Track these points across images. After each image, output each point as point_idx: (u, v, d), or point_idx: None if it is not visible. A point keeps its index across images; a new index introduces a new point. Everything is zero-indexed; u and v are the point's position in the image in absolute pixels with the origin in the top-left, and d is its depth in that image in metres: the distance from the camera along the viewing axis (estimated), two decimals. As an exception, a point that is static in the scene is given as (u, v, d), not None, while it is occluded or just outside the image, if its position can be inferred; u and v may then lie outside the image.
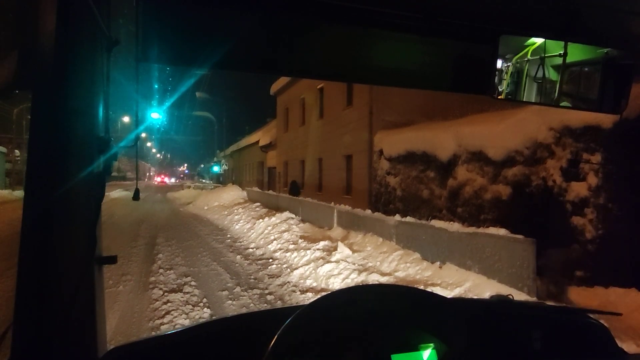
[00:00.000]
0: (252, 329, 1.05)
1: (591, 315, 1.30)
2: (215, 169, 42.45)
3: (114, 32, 0.90)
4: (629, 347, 1.88)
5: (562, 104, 1.13)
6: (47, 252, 0.80)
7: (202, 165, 68.68)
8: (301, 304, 1.08)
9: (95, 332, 0.90)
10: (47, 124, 0.82)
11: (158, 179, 72.30)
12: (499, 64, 1.08)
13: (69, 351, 0.83)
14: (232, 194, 22.06)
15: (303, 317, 0.91)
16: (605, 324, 1.31)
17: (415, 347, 1.01)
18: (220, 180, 41.86)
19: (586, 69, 1.12)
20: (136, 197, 1.10)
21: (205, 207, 19.86)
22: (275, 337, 0.87)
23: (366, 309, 0.99)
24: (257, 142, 27.81)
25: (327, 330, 0.94)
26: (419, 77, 1.21)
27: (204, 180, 51.24)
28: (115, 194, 26.79)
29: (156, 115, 32.61)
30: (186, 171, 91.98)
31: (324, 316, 0.95)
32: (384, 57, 1.15)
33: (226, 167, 39.41)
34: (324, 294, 1.01)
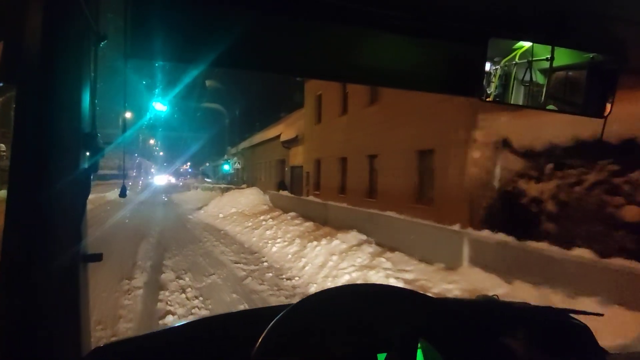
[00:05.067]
0: (239, 328, 1.07)
1: (573, 316, 1.30)
2: (226, 167, 38.16)
3: (102, 27, 0.89)
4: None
5: (548, 107, 1.15)
6: (32, 249, 0.80)
7: (207, 164, 64.11)
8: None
9: (80, 330, 0.89)
10: (32, 120, 0.81)
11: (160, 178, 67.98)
12: (488, 66, 1.09)
13: (53, 349, 0.84)
14: (252, 198, 18.12)
15: (290, 316, 0.91)
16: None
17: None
18: (230, 181, 37.81)
19: (572, 74, 1.13)
20: (123, 194, 1.05)
21: (221, 215, 15.95)
22: (262, 336, 0.86)
23: (352, 308, 0.98)
24: (278, 136, 23.79)
25: (313, 329, 0.93)
26: (408, 78, 1.22)
27: (208, 180, 47.12)
28: (112, 195, 22.79)
29: (160, 107, 28.97)
30: (189, 169, 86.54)
31: (311, 315, 0.94)
32: (374, 57, 1.15)
33: (239, 166, 35.33)
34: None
